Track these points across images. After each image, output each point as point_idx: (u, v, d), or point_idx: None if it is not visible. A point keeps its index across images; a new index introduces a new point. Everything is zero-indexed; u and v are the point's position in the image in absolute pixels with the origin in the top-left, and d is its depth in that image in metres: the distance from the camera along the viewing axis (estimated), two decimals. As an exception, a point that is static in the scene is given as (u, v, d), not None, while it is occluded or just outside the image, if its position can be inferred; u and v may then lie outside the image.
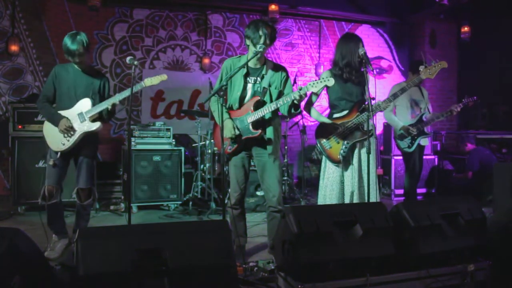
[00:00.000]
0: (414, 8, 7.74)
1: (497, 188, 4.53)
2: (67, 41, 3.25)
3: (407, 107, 4.62)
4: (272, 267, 2.86)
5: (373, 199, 3.16)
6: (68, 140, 3.32)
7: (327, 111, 3.54)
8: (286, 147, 6.16)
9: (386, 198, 6.21)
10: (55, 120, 3.33)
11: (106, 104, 3.33)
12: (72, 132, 3.32)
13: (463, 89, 7.96)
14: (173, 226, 2.35)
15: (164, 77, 3.44)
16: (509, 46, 6.65)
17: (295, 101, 3.02)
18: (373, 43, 8.04)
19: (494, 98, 6.83)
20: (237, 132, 3.15)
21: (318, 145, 3.37)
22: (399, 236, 2.40)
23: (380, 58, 8.10)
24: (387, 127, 6.43)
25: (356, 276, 2.24)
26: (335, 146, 3.28)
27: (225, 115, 3.18)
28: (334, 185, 3.28)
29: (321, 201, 3.35)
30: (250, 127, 3.15)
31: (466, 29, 7.26)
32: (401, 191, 5.95)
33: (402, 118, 4.60)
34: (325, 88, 3.40)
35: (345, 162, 3.27)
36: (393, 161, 6.19)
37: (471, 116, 7.37)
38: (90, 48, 3.39)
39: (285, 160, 6.01)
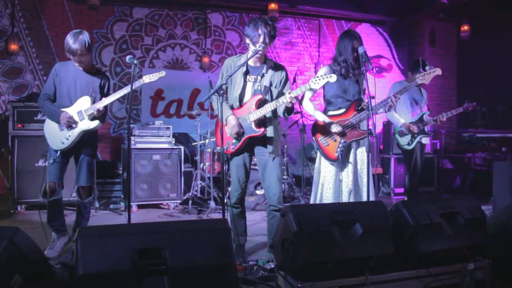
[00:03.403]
0: (413, 7, 7.73)
1: (496, 186, 4.54)
2: (69, 40, 3.22)
3: (407, 105, 4.63)
4: (272, 266, 2.87)
5: (370, 198, 3.15)
6: (67, 139, 3.33)
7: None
8: (285, 146, 6.15)
9: (386, 197, 6.21)
10: (56, 116, 3.33)
11: (106, 102, 3.33)
12: (74, 125, 3.32)
13: (463, 88, 7.96)
14: (173, 225, 2.35)
15: (162, 73, 3.44)
16: (508, 45, 6.64)
17: (287, 105, 3.02)
18: (373, 42, 8.04)
19: (494, 97, 6.82)
20: (241, 130, 3.15)
21: (315, 142, 3.36)
22: (398, 235, 2.40)
23: (379, 57, 8.10)
24: (386, 125, 6.42)
25: (355, 275, 2.24)
26: (332, 144, 3.27)
27: (228, 112, 3.19)
28: (331, 184, 3.27)
29: (317, 199, 3.34)
30: (253, 125, 3.15)
31: (465, 28, 7.26)
32: (401, 190, 5.96)
33: (403, 115, 4.60)
34: None
35: (341, 160, 3.26)
36: (392, 159, 6.18)
37: (471, 115, 7.37)
38: (92, 48, 3.37)
39: (285, 158, 6.02)
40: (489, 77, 6.97)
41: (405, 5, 7.83)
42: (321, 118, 3.32)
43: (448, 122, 7.88)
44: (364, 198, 3.12)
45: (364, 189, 3.15)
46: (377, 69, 7.96)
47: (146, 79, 3.40)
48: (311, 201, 3.43)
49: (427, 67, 3.51)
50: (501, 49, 6.75)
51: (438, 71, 3.59)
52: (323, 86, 3.40)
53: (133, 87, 3.21)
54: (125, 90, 3.31)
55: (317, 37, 7.78)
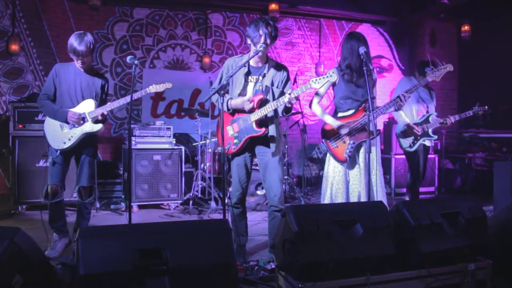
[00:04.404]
0: (414, 7, 7.73)
1: (497, 186, 4.54)
2: (74, 41, 3.24)
3: (413, 104, 4.49)
4: (273, 266, 2.87)
5: (379, 198, 3.15)
6: (69, 139, 3.34)
7: (328, 110, 3.52)
8: (286, 146, 6.16)
9: (387, 197, 6.19)
10: (59, 116, 3.33)
11: (110, 107, 3.35)
12: (82, 121, 3.33)
13: (464, 88, 7.96)
14: (173, 225, 2.35)
15: (169, 85, 3.63)
16: (509, 45, 6.64)
17: (287, 105, 3.02)
18: (373, 42, 8.03)
19: (494, 97, 6.82)
20: (250, 105, 3.13)
21: (324, 144, 3.34)
22: (399, 235, 2.40)
23: (380, 57, 8.09)
24: (387, 125, 6.42)
25: (356, 275, 2.24)
26: (341, 145, 3.27)
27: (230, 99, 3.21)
28: (340, 184, 3.27)
29: (327, 200, 3.32)
30: (254, 125, 3.15)
31: (466, 28, 7.25)
32: (401, 190, 5.95)
33: (408, 114, 4.48)
34: (331, 87, 3.39)
35: (350, 161, 3.25)
36: (393, 160, 6.18)
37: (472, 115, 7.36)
38: (94, 49, 3.40)
39: (285, 159, 6.02)
40: (490, 77, 6.97)
41: (406, 5, 7.83)
42: (330, 121, 3.31)
43: (449, 122, 7.88)
44: (375, 198, 3.11)
45: (374, 189, 3.14)
46: (377, 69, 7.96)
47: (152, 88, 3.55)
48: (322, 202, 3.42)
49: (439, 64, 3.43)
50: (501, 49, 6.75)
51: (450, 67, 3.47)
52: (333, 89, 3.40)
53: (139, 96, 3.46)
54: (129, 98, 3.33)
55: (318, 37, 7.78)
